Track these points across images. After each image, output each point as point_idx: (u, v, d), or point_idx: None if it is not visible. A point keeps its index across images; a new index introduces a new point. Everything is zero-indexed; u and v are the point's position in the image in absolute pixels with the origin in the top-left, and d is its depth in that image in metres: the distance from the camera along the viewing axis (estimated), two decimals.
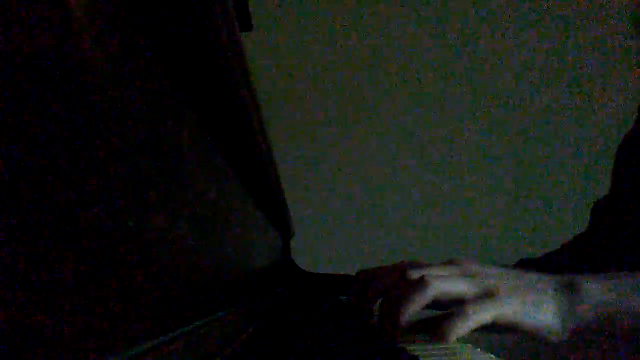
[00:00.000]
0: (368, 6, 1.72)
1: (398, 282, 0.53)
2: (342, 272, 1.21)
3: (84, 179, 0.18)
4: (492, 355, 0.43)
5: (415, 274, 0.51)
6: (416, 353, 0.43)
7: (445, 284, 0.49)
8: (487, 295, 0.49)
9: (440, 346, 0.48)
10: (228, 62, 0.33)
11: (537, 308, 0.50)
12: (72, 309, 0.17)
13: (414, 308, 0.49)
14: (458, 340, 0.51)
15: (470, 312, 0.47)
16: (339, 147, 1.70)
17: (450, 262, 0.54)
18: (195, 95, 0.35)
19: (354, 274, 0.67)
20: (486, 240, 1.70)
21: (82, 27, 0.18)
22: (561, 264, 0.81)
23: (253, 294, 0.67)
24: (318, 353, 0.42)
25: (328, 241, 1.66)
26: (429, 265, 0.54)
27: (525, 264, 0.82)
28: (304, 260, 1.25)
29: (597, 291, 0.51)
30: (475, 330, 0.49)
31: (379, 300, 0.58)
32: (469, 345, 0.49)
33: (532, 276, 0.53)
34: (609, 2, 1.75)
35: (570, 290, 0.51)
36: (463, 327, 0.47)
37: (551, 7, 1.75)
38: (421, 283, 0.49)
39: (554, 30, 1.75)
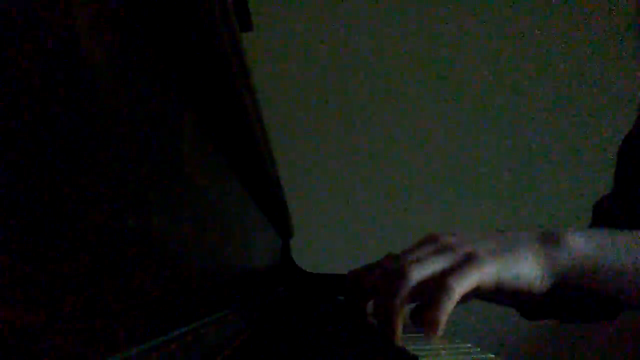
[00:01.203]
0: (368, 6, 1.72)
1: (381, 277, 0.53)
2: (341, 272, 1.21)
3: (84, 179, 0.18)
4: (492, 355, 0.43)
5: (394, 265, 0.51)
6: (416, 353, 0.43)
7: (423, 266, 0.49)
8: (466, 262, 0.48)
9: (440, 345, 0.48)
10: (228, 62, 0.33)
11: (516, 263, 0.49)
12: (72, 309, 0.17)
13: (398, 300, 0.48)
14: (459, 341, 0.51)
15: (452, 283, 0.47)
16: (339, 147, 1.70)
17: (426, 240, 0.53)
18: (195, 95, 0.35)
19: (348, 277, 0.67)
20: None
21: (83, 27, 0.18)
22: None
23: (253, 294, 0.67)
24: (318, 353, 0.42)
25: (328, 241, 1.66)
26: (407, 251, 0.53)
27: None
28: (304, 260, 1.25)
29: (578, 243, 0.51)
30: (464, 301, 0.49)
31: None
32: (469, 344, 0.49)
33: (512, 233, 0.52)
34: (610, 2, 1.75)
35: (550, 241, 0.51)
36: (449, 301, 0.47)
37: (552, 7, 1.75)
38: (399, 274, 0.49)
39: (554, 30, 1.75)
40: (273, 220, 0.92)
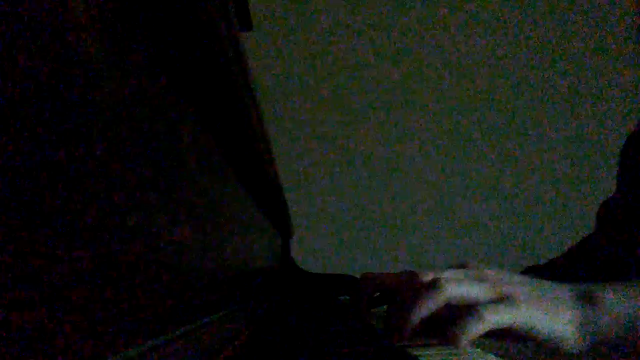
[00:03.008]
0: (368, 6, 1.72)
1: (409, 283, 0.51)
2: (341, 272, 1.21)
3: (84, 179, 0.18)
4: (493, 356, 0.43)
5: (427, 277, 0.50)
6: (416, 353, 0.43)
7: (459, 287, 0.48)
8: (503, 300, 0.47)
9: (440, 347, 0.48)
10: (228, 62, 0.33)
11: (553, 316, 0.48)
12: (72, 309, 0.17)
13: (425, 311, 0.47)
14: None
15: (485, 314, 0.46)
16: (339, 147, 1.70)
17: (463, 266, 0.52)
18: (195, 95, 0.35)
19: (358, 276, 0.65)
20: (487, 243, 1.70)
21: (82, 27, 0.18)
22: (568, 270, 0.80)
23: (253, 294, 0.67)
24: (318, 353, 0.42)
25: (328, 241, 1.66)
26: (442, 270, 0.52)
27: (533, 272, 0.80)
28: (304, 260, 1.25)
29: (616, 302, 0.49)
30: (490, 335, 0.48)
31: (385, 307, 0.57)
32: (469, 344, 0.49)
33: (550, 284, 0.51)
34: (610, 2, 1.75)
35: (589, 300, 0.49)
36: (476, 328, 0.45)
37: (552, 7, 1.75)
38: (434, 285, 0.47)
39: (555, 30, 1.75)
40: (273, 220, 0.92)
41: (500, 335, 0.48)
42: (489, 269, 0.51)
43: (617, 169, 0.80)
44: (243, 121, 0.43)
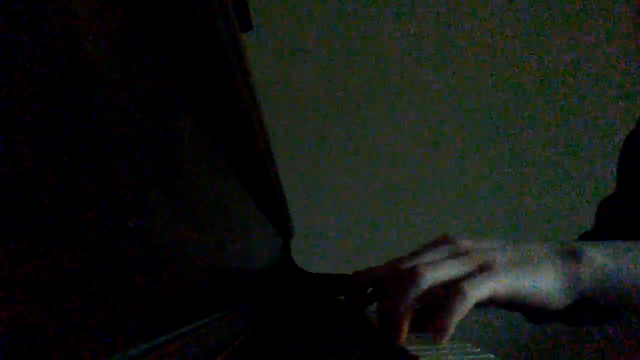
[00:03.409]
0: (368, 6, 1.72)
1: (391, 275, 0.51)
2: (341, 272, 1.21)
3: (84, 179, 0.18)
4: (492, 355, 0.43)
5: (406, 265, 0.49)
6: (416, 353, 0.43)
7: (437, 269, 0.47)
8: (482, 270, 0.47)
9: (440, 346, 0.48)
10: (228, 62, 0.33)
11: (535, 277, 0.48)
12: (72, 309, 0.17)
13: (409, 301, 0.47)
14: (459, 341, 0.51)
15: (466, 290, 0.45)
16: (339, 147, 1.70)
17: (441, 242, 0.51)
18: (195, 95, 0.35)
19: (352, 276, 0.66)
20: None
21: (83, 26, 0.18)
22: None
23: (253, 294, 0.67)
24: (318, 353, 0.42)
25: (328, 241, 1.66)
26: (420, 252, 0.51)
27: None
28: (304, 260, 1.25)
29: (597, 256, 0.49)
30: (477, 307, 0.47)
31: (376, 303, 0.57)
32: (469, 344, 0.49)
33: (530, 245, 0.51)
34: (610, 2, 1.75)
35: (570, 255, 0.49)
36: (462, 307, 0.45)
37: (552, 7, 1.75)
38: (413, 274, 0.47)
39: (555, 30, 1.75)
40: (273, 220, 0.92)
41: (486, 304, 0.48)
42: (466, 240, 0.51)
43: (616, 167, 0.80)
44: (243, 121, 0.43)
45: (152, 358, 0.24)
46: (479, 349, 0.46)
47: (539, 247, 0.51)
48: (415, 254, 0.51)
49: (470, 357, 0.43)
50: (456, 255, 0.49)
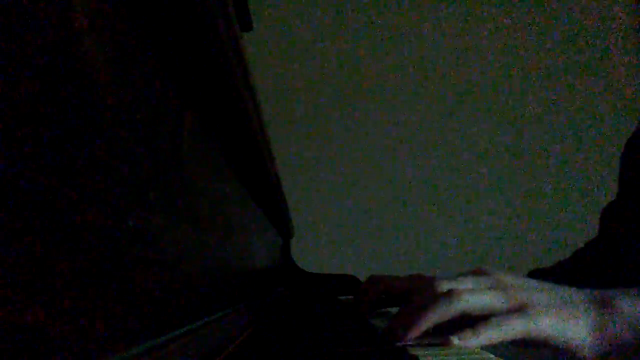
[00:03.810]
0: (368, 6, 1.72)
1: (425, 290, 0.50)
2: (341, 272, 1.21)
3: (84, 179, 0.18)
4: (492, 355, 0.43)
5: (444, 286, 0.49)
6: (416, 353, 0.43)
7: (474, 297, 0.47)
8: (518, 309, 0.47)
9: (440, 348, 0.47)
10: (228, 62, 0.33)
11: (569, 324, 0.48)
12: (72, 309, 0.17)
13: (438, 319, 0.47)
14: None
15: (503, 326, 0.46)
16: (339, 147, 1.70)
17: (478, 273, 0.52)
18: (195, 95, 0.35)
19: (361, 277, 0.65)
20: (490, 244, 1.70)
21: (83, 27, 0.18)
22: (574, 273, 0.80)
23: (253, 294, 0.67)
24: (318, 353, 0.42)
25: (328, 241, 1.66)
26: (457, 276, 0.51)
27: (538, 275, 0.79)
28: (304, 260, 1.25)
29: (631, 307, 0.49)
30: (504, 344, 0.48)
31: (398, 308, 0.56)
32: (468, 345, 0.49)
33: (564, 290, 0.51)
34: (611, 2, 1.75)
35: (603, 305, 0.49)
36: (491, 337, 0.46)
37: (552, 7, 1.75)
38: (450, 295, 0.47)
39: (556, 30, 1.75)
40: (273, 220, 0.92)
41: (516, 343, 0.48)
42: (503, 275, 0.51)
43: (618, 172, 0.80)
44: (243, 121, 0.43)
45: (152, 358, 0.24)
46: (479, 349, 0.46)
47: (574, 294, 0.51)
48: (450, 279, 0.51)
49: (470, 357, 0.43)
50: (495, 288, 0.49)
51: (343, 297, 1.12)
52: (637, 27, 1.75)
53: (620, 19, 1.74)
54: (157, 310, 0.26)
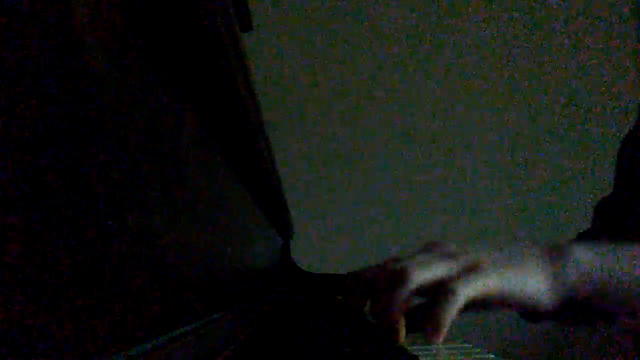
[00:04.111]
0: (368, 6, 1.72)
1: (381, 276, 0.52)
2: (341, 272, 1.21)
3: (84, 179, 0.18)
4: (492, 355, 0.43)
5: (396, 266, 0.50)
6: (416, 353, 0.43)
7: (425, 269, 0.48)
8: (470, 271, 0.48)
9: (441, 345, 0.48)
10: (228, 62, 0.33)
11: (523, 278, 0.48)
12: (72, 309, 0.17)
13: (399, 301, 0.48)
14: (459, 341, 0.51)
15: (457, 289, 0.46)
16: (339, 147, 1.70)
17: (429, 247, 0.53)
18: (195, 96, 0.35)
19: (346, 280, 0.66)
20: (489, 243, 1.70)
21: (83, 27, 0.18)
22: None
23: (253, 294, 0.67)
24: (318, 353, 0.42)
25: (328, 241, 1.66)
26: (409, 255, 0.52)
27: None
28: (303, 260, 1.25)
29: (585, 257, 0.50)
30: (467, 309, 0.48)
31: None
32: (469, 344, 0.49)
33: (517, 246, 0.52)
34: (610, 2, 1.75)
35: (557, 256, 0.50)
36: (453, 306, 0.46)
37: (552, 7, 1.75)
38: (401, 274, 0.48)
39: (555, 30, 1.75)
40: (273, 220, 0.92)
41: (476, 306, 0.49)
42: (453, 245, 0.52)
43: (614, 167, 0.80)
44: (243, 121, 0.43)
45: (152, 358, 0.24)
46: (479, 349, 0.46)
47: (524, 248, 0.51)
48: (403, 257, 0.52)
49: (470, 357, 0.43)
50: (443, 257, 0.50)
51: (341, 297, 1.12)
52: (638, 27, 1.75)
53: (620, 17, 1.74)
54: (157, 310, 0.26)
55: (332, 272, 1.21)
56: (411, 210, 1.70)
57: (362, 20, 1.72)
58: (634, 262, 0.50)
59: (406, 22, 1.73)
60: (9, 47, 0.14)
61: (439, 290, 0.47)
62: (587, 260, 0.50)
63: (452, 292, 0.46)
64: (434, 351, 0.46)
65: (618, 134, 0.87)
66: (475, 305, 0.48)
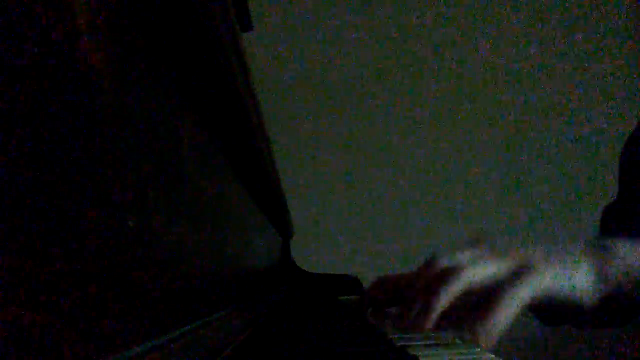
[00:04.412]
0: (367, 6, 1.72)
1: (427, 274, 0.49)
2: (341, 273, 1.21)
3: (84, 179, 0.18)
4: (492, 355, 0.43)
5: (444, 263, 0.48)
6: (416, 353, 0.43)
7: (476, 270, 0.46)
8: (521, 272, 0.46)
9: (440, 345, 0.48)
10: (228, 62, 0.33)
11: (570, 276, 0.47)
12: (72, 309, 0.17)
13: (446, 300, 0.46)
14: (459, 341, 0.51)
15: (518, 292, 0.44)
16: (339, 147, 1.70)
17: (474, 243, 0.51)
18: (195, 96, 0.35)
19: (374, 280, 0.61)
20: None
21: (84, 28, 0.18)
22: None
23: (253, 294, 0.67)
24: (318, 353, 0.42)
25: (328, 241, 1.66)
26: (454, 251, 0.50)
27: None
28: (304, 260, 1.25)
29: (628, 252, 0.49)
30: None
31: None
32: (469, 344, 0.49)
33: (561, 243, 0.51)
34: (610, 2, 1.75)
35: (601, 251, 0.49)
36: (510, 311, 0.44)
37: (552, 7, 1.75)
38: (452, 271, 0.46)
39: (555, 30, 1.75)
40: (273, 220, 0.92)
41: (526, 309, 0.47)
42: (497, 238, 0.51)
43: (618, 171, 0.80)
44: (243, 121, 0.43)
45: (152, 358, 0.24)
46: (479, 349, 0.46)
47: (572, 244, 0.50)
48: (447, 254, 0.50)
49: (470, 357, 0.43)
50: (494, 255, 0.48)
51: (343, 297, 1.12)
52: (638, 27, 1.75)
53: (620, 17, 1.74)
54: (157, 310, 0.26)
55: (332, 272, 1.21)
56: (412, 211, 1.70)
57: (363, 20, 1.72)
58: None
59: (407, 20, 1.73)
60: (9, 47, 0.14)
61: (494, 292, 0.45)
62: (630, 254, 0.49)
63: (514, 296, 0.44)
64: (434, 351, 0.46)
65: (620, 137, 0.87)
66: (526, 308, 0.46)
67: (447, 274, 0.46)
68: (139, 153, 0.24)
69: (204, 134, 0.38)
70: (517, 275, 0.46)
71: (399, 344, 0.47)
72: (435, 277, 0.48)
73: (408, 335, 0.50)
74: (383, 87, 1.72)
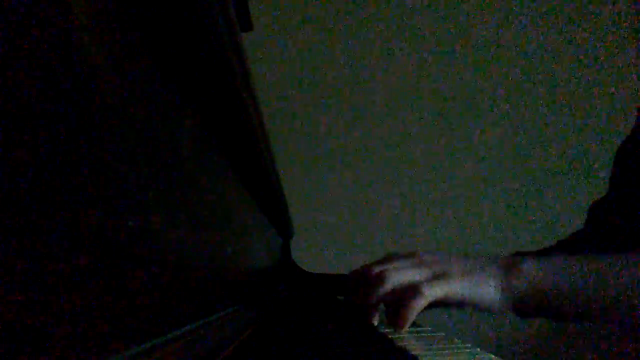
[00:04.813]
0: (367, 6, 1.72)
1: (363, 277, 0.63)
2: (341, 272, 1.21)
3: (85, 179, 0.18)
4: (493, 355, 0.43)
5: (377, 269, 0.62)
6: (416, 353, 0.43)
7: (400, 274, 0.60)
8: (438, 277, 0.59)
9: (441, 345, 0.48)
10: (228, 62, 0.33)
11: (479, 285, 0.60)
12: (73, 309, 0.17)
13: (376, 298, 0.60)
14: (459, 341, 0.51)
15: (423, 290, 0.57)
16: (339, 148, 1.70)
17: (409, 255, 0.64)
18: (195, 95, 0.35)
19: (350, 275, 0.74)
20: (485, 242, 1.70)
21: (84, 28, 0.18)
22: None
23: (253, 294, 0.67)
24: (318, 353, 0.42)
25: (328, 241, 1.66)
26: (388, 260, 0.64)
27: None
28: (304, 260, 1.25)
29: (532, 269, 0.60)
30: (432, 306, 0.58)
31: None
32: (469, 344, 0.49)
33: (478, 259, 0.63)
34: (610, 2, 1.75)
35: (510, 270, 0.60)
36: (418, 303, 0.57)
37: (552, 7, 1.75)
38: (380, 277, 0.60)
39: (554, 30, 1.75)
40: (273, 220, 0.92)
41: (439, 305, 0.59)
42: (428, 254, 0.64)
43: (609, 170, 0.81)
44: (243, 121, 0.43)
45: (152, 358, 0.24)
46: (479, 349, 0.46)
47: (484, 261, 0.62)
48: (383, 261, 0.64)
49: (470, 357, 0.43)
50: (418, 265, 0.61)
51: (343, 297, 1.12)
52: (638, 27, 1.75)
53: (620, 17, 1.74)
54: (157, 310, 0.26)
55: (332, 272, 1.21)
56: (412, 210, 1.70)
57: (363, 20, 1.72)
58: (580, 273, 0.60)
59: (408, 22, 1.73)
60: (8, 47, 0.14)
61: (409, 291, 0.58)
62: (535, 273, 0.60)
63: (420, 292, 0.57)
64: (434, 351, 0.46)
65: (614, 136, 0.87)
66: (440, 304, 0.59)
67: (380, 277, 0.60)
68: (139, 153, 0.24)
69: (203, 133, 0.38)
70: (434, 279, 0.59)
71: (398, 345, 0.47)
72: (370, 279, 0.61)
73: (405, 335, 0.56)
74: (384, 87, 1.72)
